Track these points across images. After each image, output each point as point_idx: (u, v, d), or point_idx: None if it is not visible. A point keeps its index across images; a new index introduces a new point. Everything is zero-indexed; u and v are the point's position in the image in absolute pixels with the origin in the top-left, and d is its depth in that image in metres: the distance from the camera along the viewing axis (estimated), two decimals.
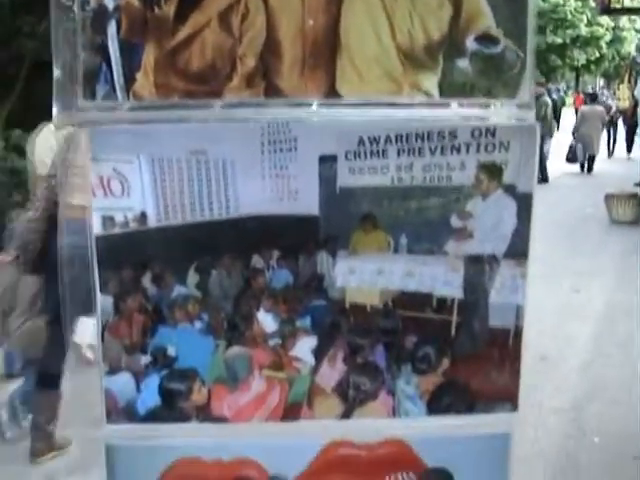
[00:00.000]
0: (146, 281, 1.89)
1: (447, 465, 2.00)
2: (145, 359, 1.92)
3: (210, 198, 1.88)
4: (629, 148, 21.68)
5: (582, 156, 18.39)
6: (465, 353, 1.96)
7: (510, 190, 1.89)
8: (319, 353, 1.94)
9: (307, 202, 1.89)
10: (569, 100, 38.06)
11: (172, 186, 1.86)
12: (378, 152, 1.87)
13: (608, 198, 12.27)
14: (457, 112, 1.86)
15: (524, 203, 1.90)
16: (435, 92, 1.84)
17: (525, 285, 1.93)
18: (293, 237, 1.91)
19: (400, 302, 1.95)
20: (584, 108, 19.84)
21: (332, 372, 1.95)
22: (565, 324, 6.89)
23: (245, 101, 1.82)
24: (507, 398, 2.00)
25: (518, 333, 1.96)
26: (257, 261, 1.90)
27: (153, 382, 1.92)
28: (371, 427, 1.98)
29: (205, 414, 1.95)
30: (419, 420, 1.98)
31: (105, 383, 1.91)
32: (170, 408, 1.93)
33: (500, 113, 1.87)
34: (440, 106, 1.86)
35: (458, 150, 1.87)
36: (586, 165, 18.77)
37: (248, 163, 1.85)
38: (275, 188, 1.86)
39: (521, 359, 1.97)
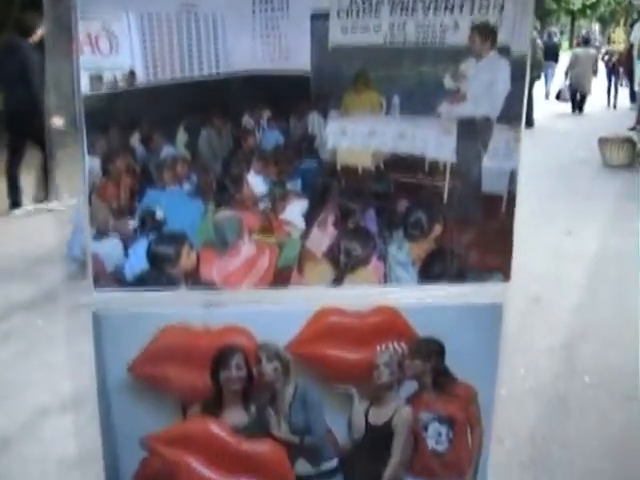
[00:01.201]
0: (134, 141, 1.95)
1: (438, 335, 2.08)
2: (133, 223, 1.98)
3: (200, 55, 1.92)
4: (632, 97, 21.54)
5: (574, 96, 18.81)
6: (457, 219, 2.04)
7: (504, 52, 1.96)
8: (309, 217, 2.01)
9: (299, 61, 1.93)
10: (565, 44, 38.05)
11: (161, 42, 1.90)
12: (370, 10, 1.92)
13: (602, 142, 12.38)
14: None
15: (518, 65, 1.97)
16: None
17: (519, 150, 2.01)
18: (284, 97, 1.97)
19: (392, 165, 2.01)
20: (578, 50, 20.14)
21: (323, 237, 2.02)
22: (557, 266, 6.98)
23: None
24: (499, 268, 2.08)
25: (511, 199, 2.04)
26: (247, 121, 1.95)
27: (141, 246, 1.98)
28: (362, 294, 2.06)
29: (194, 279, 2.01)
30: (411, 288, 2.07)
31: (93, 248, 1.97)
32: (158, 273, 1.99)
33: None
34: None
35: (452, 9, 1.93)
36: (577, 105, 19.20)
37: (239, 22, 1.90)
38: (266, 47, 1.91)
39: (513, 227, 2.06)
